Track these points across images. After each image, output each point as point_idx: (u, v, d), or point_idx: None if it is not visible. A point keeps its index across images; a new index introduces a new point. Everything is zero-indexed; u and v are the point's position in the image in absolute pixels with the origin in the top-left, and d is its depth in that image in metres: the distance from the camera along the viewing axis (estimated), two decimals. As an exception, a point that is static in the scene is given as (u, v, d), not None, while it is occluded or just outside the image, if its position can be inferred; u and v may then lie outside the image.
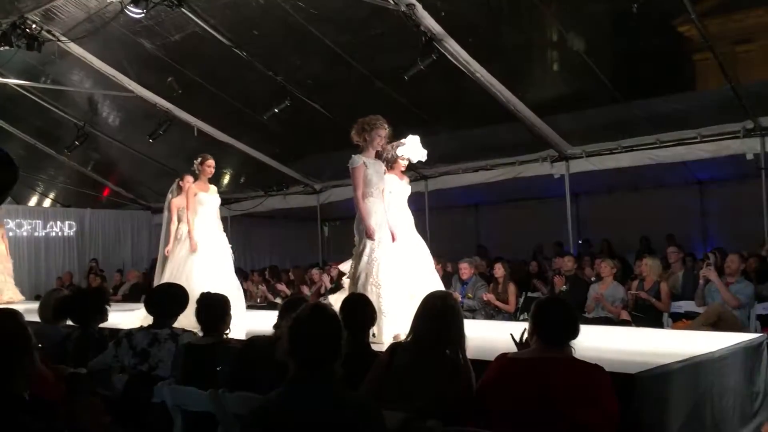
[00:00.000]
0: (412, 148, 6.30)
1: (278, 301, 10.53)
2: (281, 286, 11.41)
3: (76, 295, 5.61)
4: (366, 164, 5.74)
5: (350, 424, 2.43)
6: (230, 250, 7.49)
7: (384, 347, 4.97)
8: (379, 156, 5.93)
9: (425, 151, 6.33)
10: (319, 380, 2.52)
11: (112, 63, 9.93)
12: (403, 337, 5.14)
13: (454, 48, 7.73)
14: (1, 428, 2.03)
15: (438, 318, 3.32)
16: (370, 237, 5.61)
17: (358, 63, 8.59)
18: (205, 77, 9.79)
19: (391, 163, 6.33)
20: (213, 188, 7.48)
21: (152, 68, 9.83)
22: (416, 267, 6.22)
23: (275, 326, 4.27)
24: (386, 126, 5.78)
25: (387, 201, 6.21)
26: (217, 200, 7.48)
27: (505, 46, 8.09)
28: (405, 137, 6.30)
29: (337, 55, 8.40)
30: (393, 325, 5.51)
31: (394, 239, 5.93)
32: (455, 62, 7.88)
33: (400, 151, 6.27)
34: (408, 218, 6.41)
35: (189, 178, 7.73)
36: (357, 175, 5.70)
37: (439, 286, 6.35)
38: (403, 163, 6.34)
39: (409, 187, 6.52)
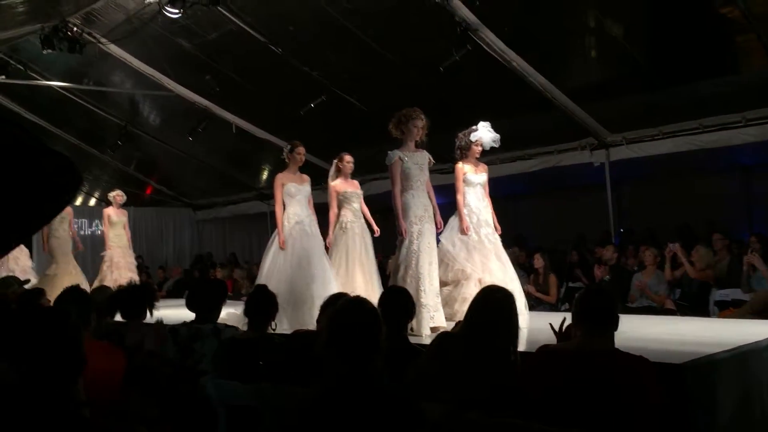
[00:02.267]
0: (485, 133, 6.27)
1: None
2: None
3: (126, 291, 5.70)
4: (402, 158, 5.75)
5: (389, 417, 2.43)
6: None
7: (422, 340, 5.00)
8: (419, 147, 5.94)
9: (498, 136, 6.30)
10: (358, 374, 2.52)
11: (151, 63, 10.10)
12: (443, 329, 5.15)
13: (489, 38, 7.66)
14: (62, 426, 2.08)
15: (495, 311, 3.30)
16: (401, 234, 5.63)
17: (393, 56, 8.57)
18: (242, 74, 9.90)
19: (465, 151, 6.34)
20: (305, 178, 7.00)
21: (190, 67, 9.99)
22: (498, 258, 6.23)
23: (317, 320, 4.31)
24: (423, 117, 5.79)
25: (463, 191, 6.22)
26: (308, 190, 6.94)
27: (541, 33, 7.98)
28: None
29: (372, 49, 8.40)
30: (432, 317, 5.52)
31: (439, 228, 5.95)
32: (491, 52, 7.81)
33: (473, 136, 6.26)
34: (488, 207, 6.37)
35: (349, 158, 7.10)
36: (394, 171, 5.75)
37: (516, 278, 6.32)
38: (478, 150, 6.31)
39: (486, 174, 6.45)
